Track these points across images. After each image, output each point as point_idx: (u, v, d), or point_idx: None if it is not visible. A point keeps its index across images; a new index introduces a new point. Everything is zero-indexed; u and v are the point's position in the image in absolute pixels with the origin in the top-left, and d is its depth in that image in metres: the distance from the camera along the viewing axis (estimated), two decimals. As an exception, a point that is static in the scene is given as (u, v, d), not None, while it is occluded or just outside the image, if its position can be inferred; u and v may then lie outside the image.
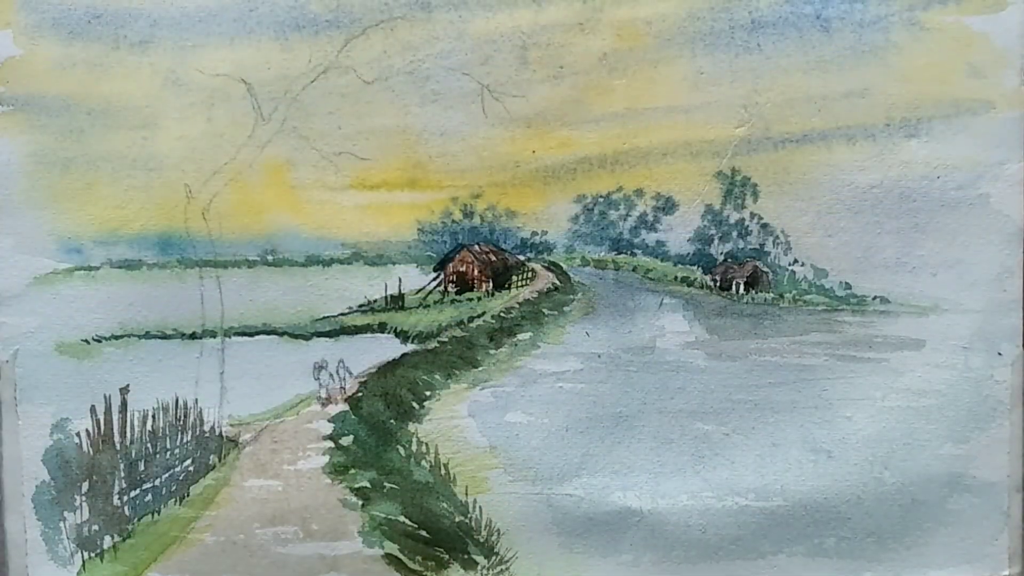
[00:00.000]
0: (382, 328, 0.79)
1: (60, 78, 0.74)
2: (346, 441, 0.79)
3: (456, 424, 0.79)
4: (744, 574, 0.78)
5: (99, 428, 0.77)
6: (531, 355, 0.79)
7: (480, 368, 0.79)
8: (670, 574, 0.78)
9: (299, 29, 0.74)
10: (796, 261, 0.77)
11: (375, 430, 0.79)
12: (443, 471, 0.78)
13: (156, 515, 0.78)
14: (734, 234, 0.78)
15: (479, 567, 0.78)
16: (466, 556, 0.78)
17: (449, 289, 0.79)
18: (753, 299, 0.78)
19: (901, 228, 0.76)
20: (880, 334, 0.78)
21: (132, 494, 0.78)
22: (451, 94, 0.75)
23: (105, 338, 0.76)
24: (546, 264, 0.79)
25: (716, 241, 0.78)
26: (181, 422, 0.78)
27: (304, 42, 0.74)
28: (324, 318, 0.78)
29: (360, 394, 0.79)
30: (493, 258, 0.79)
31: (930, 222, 0.76)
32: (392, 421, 0.79)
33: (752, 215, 0.77)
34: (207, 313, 0.77)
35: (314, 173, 0.75)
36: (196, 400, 0.77)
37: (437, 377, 0.79)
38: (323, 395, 0.78)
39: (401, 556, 0.78)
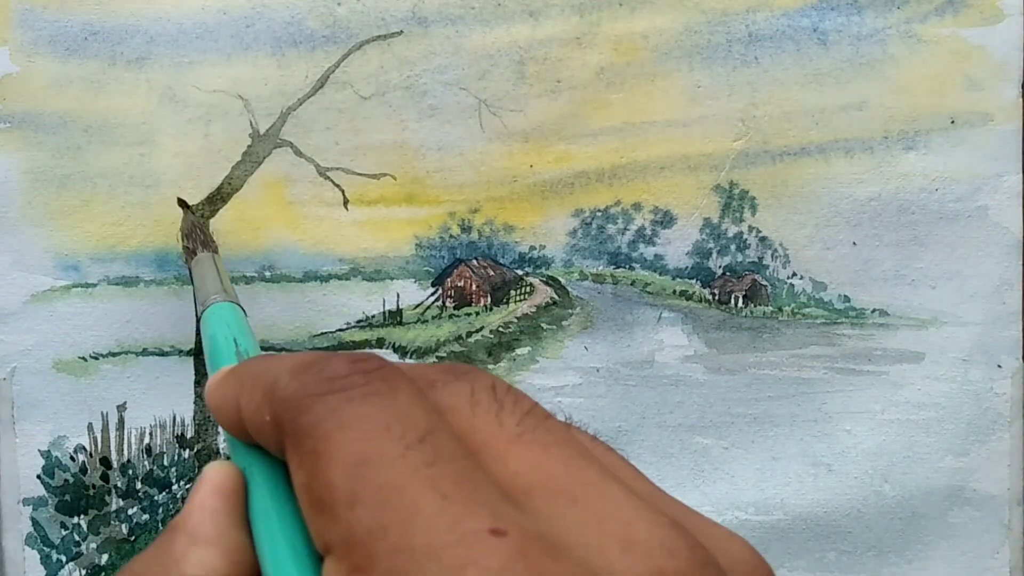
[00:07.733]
0: (380, 343, 0.78)
1: (57, 95, 0.74)
2: (345, 457, 0.78)
3: (455, 439, 0.78)
4: (744, 589, 0.78)
5: (96, 446, 0.77)
6: (530, 370, 0.79)
7: (479, 383, 0.79)
8: (670, 589, 0.77)
9: (296, 45, 0.74)
10: (795, 274, 0.77)
11: (374, 446, 0.78)
12: (442, 486, 0.78)
13: (154, 534, 0.78)
14: (732, 247, 0.77)
15: (479, 583, 0.78)
16: (465, 572, 0.78)
17: (447, 304, 0.79)
18: (752, 312, 0.78)
19: (900, 241, 0.76)
20: (879, 347, 0.77)
21: (130, 512, 0.78)
22: (448, 109, 0.74)
23: (103, 355, 0.76)
24: (544, 278, 0.78)
25: (714, 254, 0.78)
26: (179, 440, 0.77)
27: (301, 58, 0.74)
28: (322, 334, 0.77)
29: (358, 409, 0.78)
30: (491, 273, 0.79)
31: (929, 234, 0.76)
32: (391, 436, 0.78)
33: (750, 228, 0.77)
34: (205, 330, 0.76)
35: (311, 189, 0.75)
36: (194, 417, 0.77)
37: (436, 392, 0.79)
38: (321, 411, 0.78)
39: (400, 572, 0.78)
